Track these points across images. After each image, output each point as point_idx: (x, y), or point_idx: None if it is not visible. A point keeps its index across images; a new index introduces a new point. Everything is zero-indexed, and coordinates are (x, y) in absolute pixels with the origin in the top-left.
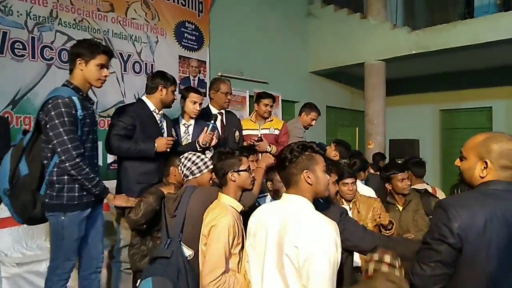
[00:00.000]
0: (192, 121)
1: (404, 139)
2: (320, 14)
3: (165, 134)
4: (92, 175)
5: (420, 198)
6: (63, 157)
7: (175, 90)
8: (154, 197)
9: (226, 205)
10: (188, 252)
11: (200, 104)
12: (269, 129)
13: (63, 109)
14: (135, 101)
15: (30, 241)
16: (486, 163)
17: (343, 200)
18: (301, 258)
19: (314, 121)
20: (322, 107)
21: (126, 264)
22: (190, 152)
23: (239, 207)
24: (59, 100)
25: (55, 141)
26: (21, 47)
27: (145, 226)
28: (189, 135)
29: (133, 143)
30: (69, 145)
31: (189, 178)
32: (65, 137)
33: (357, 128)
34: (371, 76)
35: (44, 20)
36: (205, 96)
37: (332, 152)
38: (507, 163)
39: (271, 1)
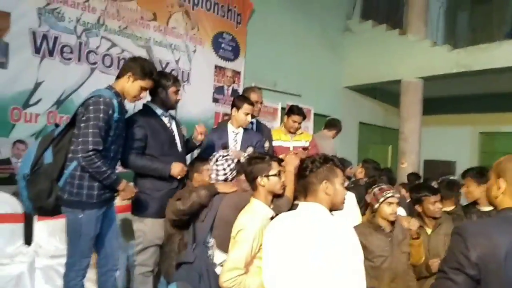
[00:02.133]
0: (241, 129)
1: (439, 160)
2: (358, 29)
3: (176, 137)
4: (104, 169)
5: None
6: (79, 147)
7: (177, 90)
8: (207, 193)
9: (257, 210)
10: (223, 256)
11: (251, 115)
12: (300, 141)
13: (102, 107)
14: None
15: (63, 235)
16: (501, 181)
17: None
18: (332, 261)
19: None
20: (355, 123)
21: (145, 267)
22: (219, 155)
23: (270, 213)
24: (101, 99)
25: (81, 131)
26: (69, 51)
27: (185, 219)
28: (237, 143)
29: (148, 161)
30: (90, 138)
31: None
32: (90, 130)
33: (390, 146)
34: (407, 93)
35: (91, 27)
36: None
37: (359, 169)
38: None
39: (308, 15)
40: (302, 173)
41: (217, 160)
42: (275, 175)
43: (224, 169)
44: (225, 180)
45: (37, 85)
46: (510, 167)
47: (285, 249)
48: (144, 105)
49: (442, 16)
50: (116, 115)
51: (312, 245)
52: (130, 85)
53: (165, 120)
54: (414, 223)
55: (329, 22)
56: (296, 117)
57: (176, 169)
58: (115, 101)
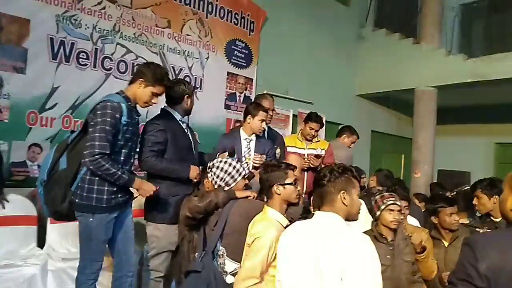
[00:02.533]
0: (254, 137)
1: (454, 170)
2: (371, 37)
3: (192, 144)
4: (113, 170)
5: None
6: (86, 151)
7: (191, 96)
8: (225, 196)
9: (272, 219)
10: (233, 265)
11: (266, 122)
12: (316, 149)
13: (109, 111)
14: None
15: (75, 238)
16: None
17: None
18: (348, 271)
19: (353, 145)
20: (367, 132)
21: (157, 273)
22: (219, 160)
23: (285, 221)
24: (108, 103)
25: (89, 135)
26: (85, 57)
27: (199, 218)
28: (250, 150)
29: (169, 163)
30: (97, 142)
31: (225, 188)
32: (97, 134)
33: (403, 155)
34: (421, 102)
35: (107, 33)
36: None
37: (371, 178)
38: None
39: (321, 23)
40: (319, 182)
41: (215, 166)
42: (291, 184)
43: (223, 176)
44: (226, 185)
45: (54, 90)
46: None
47: (299, 257)
48: (163, 109)
49: (458, 25)
50: (124, 118)
51: (328, 254)
52: (142, 90)
53: (183, 125)
54: (415, 237)
55: (342, 30)
56: (313, 124)
57: (194, 172)
58: (123, 105)
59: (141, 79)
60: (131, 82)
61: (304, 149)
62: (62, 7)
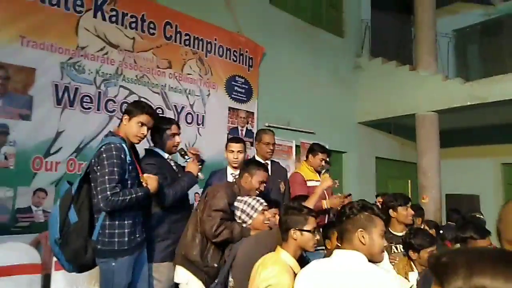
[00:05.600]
0: (238, 172)
1: (462, 194)
2: (368, 66)
3: None
4: (129, 197)
5: None
6: (99, 196)
7: (176, 134)
8: (238, 232)
9: (286, 264)
10: None
11: (240, 152)
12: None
13: (114, 152)
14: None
15: (81, 285)
16: None
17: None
18: None
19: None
20: (371, 158)
21: None
22: (239, 199)
23: (297, 268)
24: (112, 145)
25: (98, 181)
26: (89, 100)
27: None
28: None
29: (175, 185)
30: (107, 185)
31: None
32: (106, 177)
33: (409, 181)
34: (423, 127)
35: (110, 77)
36: (252, 145)
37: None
38: None
39: (318, 55)
40: (339, 218)
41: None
42: (309, 231)
43: (239, 214)
44: (243, 222)
45: (58, 134)
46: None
47: None
48: (147, 149)
49: (452, 50)
50: (128, 158)
51: None
52: (129, 125)
53: (172, 163)
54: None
55: (339, 60)
56: (324, 155)
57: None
58: (124, 145)
59: (125, 115)
60: (119, 124)
61: (319, 181)
62: (66, 55)
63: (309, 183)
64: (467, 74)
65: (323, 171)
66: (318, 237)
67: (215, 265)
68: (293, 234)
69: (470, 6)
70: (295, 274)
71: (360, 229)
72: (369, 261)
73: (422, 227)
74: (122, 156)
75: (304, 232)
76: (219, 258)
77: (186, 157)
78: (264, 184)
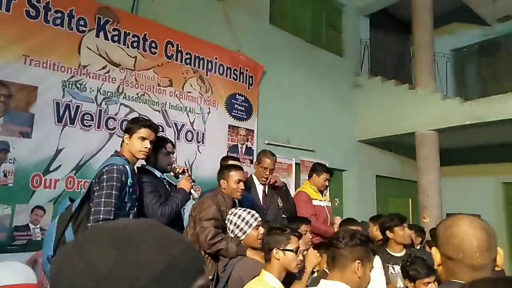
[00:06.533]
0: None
1: (463, 213)
2: (367, 85)
3: None
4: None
5: None
6: (91, 217)
7: (171, 152)
8: (235, 251)
9: (269, 286)
10: None
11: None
12: (328, 201)
13: (115, 175)
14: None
15: None
16: None
17: None
18: None
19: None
20: (372, 176)
21: None
22: (232, 212)
23: None
24: (114, 167)
25: (94, 201)
26: (89, 118)
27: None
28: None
29: (170, 201)
30: (102, 208)
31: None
32: (102, 199)
33: (410, 199)
34: (423, 146)
35: (111, 95)
36: (251, 163)
37: (374, 228)
38: None
39: (318, 73)
40: (335, 242)
41: (230, 221)
42: (292, 250)
43: (232, 228)
44: (237, 237)
45: (58, 152)
46: None
47: None
48: (139, 168)
49: (450, 70)
50: (129, 180)
51: None
52: (131, 142)
53: (164, 182)
54: None
55: (338, 79)
56: (328, 175)
57: (186, 182)
58: (128, 167)
59: (125, 135)
60: (121, 145)
61: (322, 201)
62: (68, 73)
63: (314, 202)
64: (465, 93)
65: (324, 192)
66: (301, 257)
67: (210, 277)
68: (276, 254)
69: (468, 26)
70: None
71: (358, 261)
72: None
73: (423, 247)
74: (123, 179)
75: (286, 252)
76: (213, 271)
77: (181, 176)
78: (242, 182)
